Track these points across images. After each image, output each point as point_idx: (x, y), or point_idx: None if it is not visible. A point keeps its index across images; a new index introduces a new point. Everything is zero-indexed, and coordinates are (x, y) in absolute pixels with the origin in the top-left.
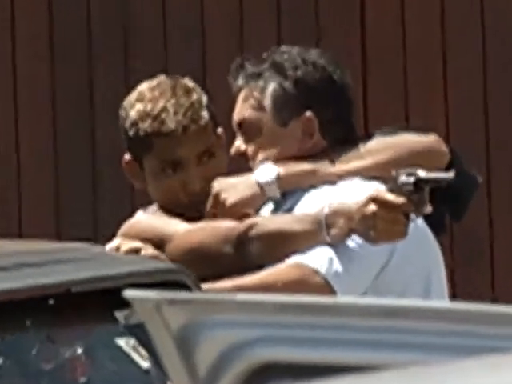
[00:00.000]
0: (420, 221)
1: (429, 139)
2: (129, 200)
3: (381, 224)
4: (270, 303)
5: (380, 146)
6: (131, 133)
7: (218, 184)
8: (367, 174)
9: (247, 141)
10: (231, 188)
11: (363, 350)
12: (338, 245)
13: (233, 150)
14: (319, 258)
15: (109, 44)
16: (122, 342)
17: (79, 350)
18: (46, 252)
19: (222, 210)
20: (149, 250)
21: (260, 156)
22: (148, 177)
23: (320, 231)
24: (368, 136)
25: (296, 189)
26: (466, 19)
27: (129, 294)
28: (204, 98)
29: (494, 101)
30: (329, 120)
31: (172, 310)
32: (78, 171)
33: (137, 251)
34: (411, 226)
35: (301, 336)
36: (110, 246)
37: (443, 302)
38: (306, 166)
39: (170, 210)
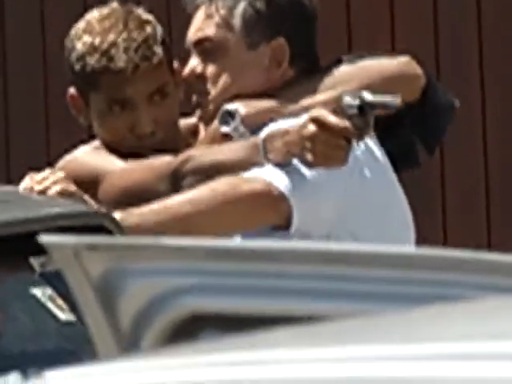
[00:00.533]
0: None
1: (401, 62)
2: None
3: (319, 147)
4: (199, 249)
5: (348, 75)
6: (77, 67)
7: None
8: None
9: (206, 61)
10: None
11: (301, 300)
12: (288, 166)
13: (187, 71)
14: (272, 174)
15: None
16: (37, 291)
17: None
18: None
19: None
20: (70, 188)
21: (223, 79)
22: (93, 114)
23: (257, 156)
24: (335, 63)
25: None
26: None
27: (44, 239)
28: (159, 32)
29: None
30: (298, 49)
31: (92, 256)
32: None
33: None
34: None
35: (232, 284)
36: (22, 185)
37: (387, 247)
38: (268, 105)
39: (115, 149)
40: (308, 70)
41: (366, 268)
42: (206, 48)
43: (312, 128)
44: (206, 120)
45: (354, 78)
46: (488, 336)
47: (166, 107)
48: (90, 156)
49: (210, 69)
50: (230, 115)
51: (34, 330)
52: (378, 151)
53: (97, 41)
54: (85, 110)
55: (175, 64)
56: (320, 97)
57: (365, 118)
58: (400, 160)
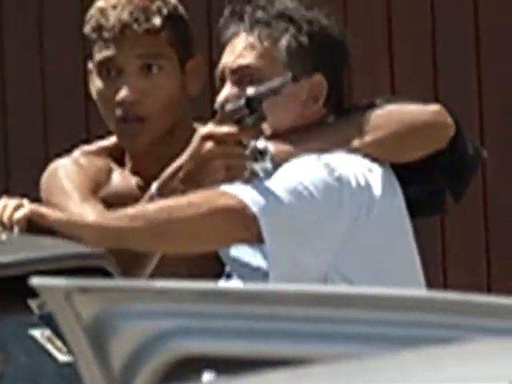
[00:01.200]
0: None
1: (432, 110)
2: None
3: (221, 161)
4: (189, 291)
5: (380, 121)
6: (85, 30)
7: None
8: (365, 151)
9: (243, 90)
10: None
11: (291, 342)
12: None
13: (222, 97)
14: (250, 193)
15: None
16: (36, 333)
17: None
18: None
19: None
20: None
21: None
22: (91, 82)
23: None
24: (368, 106)
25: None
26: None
27: (35, 281)
28: (169, 8)
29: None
30: (334, 87)
31: (83, 298)
32: None
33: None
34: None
35: (223, 326)
36: None
37: (378, 289)
38: (298, 142)
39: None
40: (339, 109)
41: (357, 310)
42: (245, 76)
43: (207, 146)
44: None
45: (385, 124)
46: (481, 378)
47: (159, 83)
48: (65, 173)
49: None
50: (260, 153)
51: (32, 372)
52: (394, 194)
53: (104, 4)
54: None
55: (198, 56)
56: (354, 142)
57: (256, 112)
58: (428, 206)
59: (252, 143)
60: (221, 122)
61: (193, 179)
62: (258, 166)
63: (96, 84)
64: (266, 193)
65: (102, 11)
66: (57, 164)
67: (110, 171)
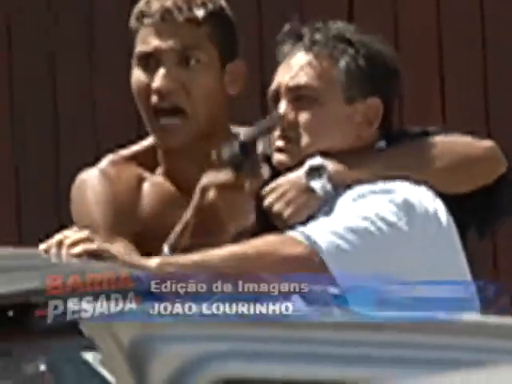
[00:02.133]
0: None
1: (485, 145)
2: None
3: (226, 209)
4: (226, 317)
5: (437, 151)
6: (130, 24)
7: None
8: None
9: (299, 108)
10: (280, 195)
11: (329, 365)
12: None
13: (277, 118)
14: (320, 235)
15: None
16: (88, 356)
17: (42, 366)
18: (3, 258)
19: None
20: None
21: (316, 129)
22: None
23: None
24: (422, 134)
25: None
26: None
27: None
28: (214, 4)
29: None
30: (388, 111)
31: (122, 323)
32: None
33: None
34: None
35: (263, 350)
36: (42, 246)
37: (414, 313)
38: (355, 165)
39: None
40: (390, 135)
41: (393, 334)
42: (301, 95)
43: (210, 196)
44: (287, 166)
45: (439, 155)
46: None
47: (197, 76)
48: (92, 192)
49: (304, 117)
50: (317, 171)
51: None
52: (444, 215)
53: None
54: None
55: (240, 61)
56: (411, 170)
57: (251, 157)
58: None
59: (308, 162)
60: (219, 169)
61: (203, 232)
62: (316, 184)
63: (134, 76)
64: (331, 234)
65: (148, 2)
66: (84, 178)
67: (140, 181)
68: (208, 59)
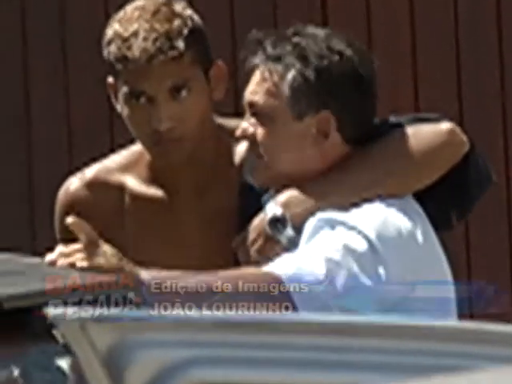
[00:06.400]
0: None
1: (445, 130)
2: None
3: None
4: (206, 320)
5: (401, 149)
6: (104, 53)
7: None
8: (385, 192)
9: (258, 124)
10: (251, 244)
11: (305, 370)
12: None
13: (239, 132)
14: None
15: None
16: (62, 362)
17: (15, 372)
18: None
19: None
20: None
21: (272, 147)
22: (120, 101)
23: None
24: (385, 128)
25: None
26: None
27: (51, 311)
28: (189, 27)
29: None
30: (349, 119)
31: (99, 328)
32: None
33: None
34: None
35: (238, 356)
36: (48, 257)
37: (388, 318)
38: (317, 193)
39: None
40: (362, 141)
41: (367, 339)
42: (256, 112)
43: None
44: (259, 185)
45: (405, 152)
46: None
47: (190, 104)
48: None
49: (260, 133)
50: (280, 221)
51: None
52: (419, 232)
53: (121, 29)
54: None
55: (219, 62)
56: (376, 188)
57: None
58: (437, 222)
59: (269, 213)
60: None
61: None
62: (281, 237)
63: (125, 111)
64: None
65: (124, 40)
66: (67, 187)
67: (122, 192)
68: (197, 84)
